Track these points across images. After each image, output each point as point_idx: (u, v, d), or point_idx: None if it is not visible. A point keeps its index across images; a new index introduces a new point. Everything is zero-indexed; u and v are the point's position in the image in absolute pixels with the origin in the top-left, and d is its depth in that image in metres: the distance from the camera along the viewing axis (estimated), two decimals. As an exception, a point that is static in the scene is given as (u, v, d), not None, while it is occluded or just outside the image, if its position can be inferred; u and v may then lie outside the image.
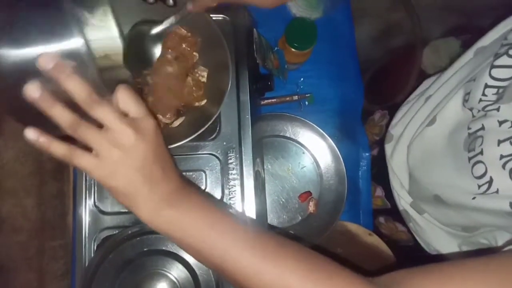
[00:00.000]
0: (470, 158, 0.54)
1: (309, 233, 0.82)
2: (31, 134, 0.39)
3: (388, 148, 0.77)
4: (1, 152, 0.54)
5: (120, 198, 0.43)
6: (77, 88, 0.38)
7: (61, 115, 0.38)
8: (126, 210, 0.62)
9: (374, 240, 0.83)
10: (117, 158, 0.40)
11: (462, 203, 0.56)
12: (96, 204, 0.62)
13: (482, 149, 0.52)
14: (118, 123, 0.39)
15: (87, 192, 0.62)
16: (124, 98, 0.41)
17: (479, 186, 0.52)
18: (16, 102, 0.38)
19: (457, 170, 0.57)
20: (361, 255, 0.81)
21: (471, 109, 0.57)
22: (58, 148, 0.40)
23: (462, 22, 1.30)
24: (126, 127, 0.40)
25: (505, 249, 0.49)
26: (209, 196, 0.52)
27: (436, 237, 0.69)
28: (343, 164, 0.84)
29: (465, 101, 0.58)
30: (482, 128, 0.53)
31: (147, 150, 0.41)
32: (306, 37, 0.82)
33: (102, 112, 0.39)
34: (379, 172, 0.80)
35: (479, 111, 0.55)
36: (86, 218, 0.61)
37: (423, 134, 0.66)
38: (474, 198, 0.53)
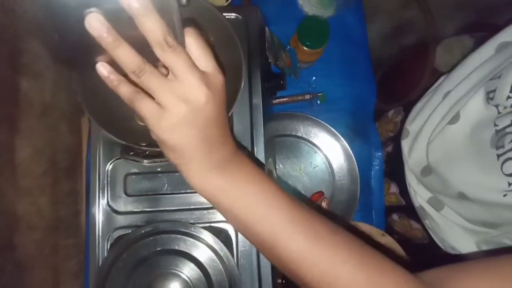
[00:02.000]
0: (499, 156, 0.53)
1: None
2: (103, 69, 0.36)
3: (404, 144, 0.76)
4: (17, 151, 0.55)
5: (171, 155, 0.39)
6: (156, 26, 0.33)
7: (127, 55, 0.34)
8: (139, 210, 0.62)
9: (387, 240, 0.82)
10: (183, 114, 0.36)
11: (491, 200, 0.55)
12: (109, 203, 0.62)
13: None
14: (192, 76, 0.35)
15: (100, 191, 0.62)
16: (196, 46, 0.37)
17: (510, 184, 0.51)
18: (71, 36, 0.34)
19: (484, 168, 0.56)
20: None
21: (496, 106, 0.56)
22: (124, 88, 0.37)
23: (476, 20, 1.28)
24: (200, 83, 0.36)
25: None
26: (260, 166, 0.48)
27: (453, 234, 0.68)
28: (355, 163, 0.83)
29: (489, 98, 0.57)
30: (511, 124, 0.52)
31: (214, 110, 0.38)
32: (318, 36, 0.81)
33: (176, 59, 0.35)
34: (394, 168, 0.79)
35: (505, 107, 0.54)
36: (99, 217, 0.61)
37: (444, 132, 0.65)
38: (505, 195, 0.52)
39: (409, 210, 0.77)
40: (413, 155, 0.73)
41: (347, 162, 0.85)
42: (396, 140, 0.81)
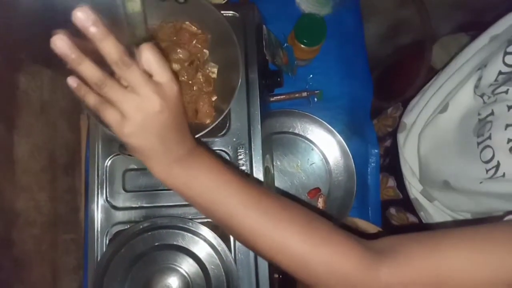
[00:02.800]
0: (479, 144, 0.54)
1: (318, 229, 0.82)
2: (72, 82, 0.42)
3: (400, 137, 0.77)
4: (15, 147, 0.55)
5: (137, 154, 0.45)
6: (112, 49, 0.38)
7: (89, 70, 0.39)
8: (138, 206, 0.63)
9: (383, 236, 0.83)
10: (140, 122, 0.41)
11: (470, 188, 0.57)
12: (108, 199, 0.63)
13: (490, 134, 0.52)
14: (147, 89, 0.40)
15: (99, 187, 0.63)
16: (150, 59, 0.41)
17: (487, 171, 0.52)
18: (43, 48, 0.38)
19: (466, 156, 0.58)
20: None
21: (482, 96, 0.57)
22: (91, 99, 0.42)
23: (471, 18, 1.29)
24: (153, 94, 0.40)
25: (505, 219, 0.49)
26: (220, 158, 0.52)
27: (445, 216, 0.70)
28: (352, 160, 0.84)
29: (475, 87, 0.58)
30: (492, 113, 0.54)
31: (169, 117, 0.42)
32: (315, 34, 0.81)
33: (130, 75, 0.40)
34: (392, 162, 0.80)
35: (489, 97, 0.56)
36: (98, 213, 0.62)
37: (434, 121, 0.66)
38: (481, 182, 0.54)
39: (406, 203, 0.79)
40: (407, 147, 0.75)
41: (344, 159, 0.86)
42: (394, 134, 0.82)
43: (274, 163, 0.86)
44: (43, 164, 0.62)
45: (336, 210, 0.84)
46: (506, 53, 0.53)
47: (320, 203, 0.84)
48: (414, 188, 0.75)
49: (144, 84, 0.40)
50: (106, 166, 0.64)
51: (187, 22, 0.64)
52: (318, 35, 0.81)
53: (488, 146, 0.52)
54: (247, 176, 0.62)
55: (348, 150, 0.84)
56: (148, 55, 0.41)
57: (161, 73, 0.42)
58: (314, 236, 0.44)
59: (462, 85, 0.62)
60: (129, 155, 0.58)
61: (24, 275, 0.55)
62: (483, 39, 0.64)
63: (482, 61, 0.60)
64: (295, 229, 0.44)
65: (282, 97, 0.89)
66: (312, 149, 0.87)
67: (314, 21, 0.82)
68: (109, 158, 0.64)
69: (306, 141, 0.87)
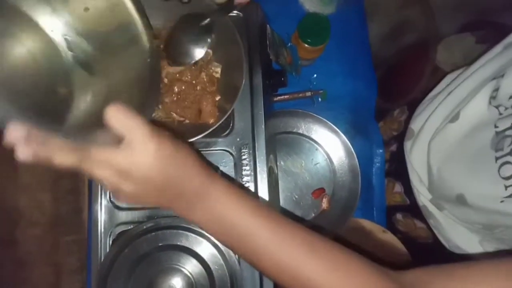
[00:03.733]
0: (497, 158, 0.52)
1: (322, 230, 0.82)
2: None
3: (407, 144, 0.76)
4: (18, 147, 0.55)
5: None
6: (65, 162, 0.36)
7: (63, 163, 0.36)
8: (141, 206, 0.62)
9: (389, 237, 0.82)
10: (133, 190, 0.40)
11: (488, 207, 0.55)
12: (111, 199, 0.62)
13: (511, 150, 0.50)
14: (115, 183, 0.39)
15: (102, 187, 0.62)
16: (115, 123, 0.38)
17: (506, 187, 0.51)
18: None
19: (482, 170, 0.56)
20: (375, 252, 0.81)
21: (497, 107, 0.55)
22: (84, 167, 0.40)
23: (476, 18, 1.28)
24: (124, 182, 0.39)
25: None
26: (233, 183, 0.51)
27: (457, 233, 0.68)
28: (356, 160, 0.83)
29: (492, 98, 0.56)
30: (511, 127, 0.52)
31: (159, 175, 0.40)
32: (319, 33, 0.81)
33: (95, 175, 0.38)
34: (398, 168, 0.78)
35: (506, 108, 0.54)
36: (101, 213, 0.61)
37: (445, 131, 0.65)
38: (502, 201, 0.52)
39: (414, 209, 0.77)
40: (415, 154, 0.73)
41: (348, 159, 0.85)
42: (400, 139, 0.81)
43: (278, 163, 0.85)
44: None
45: (341, 211, 0.83)
46: None
47: (324, 203, 0.83)
48: (423, 196, 0.73)
49: (111, 179, 0.39)
50: (109, 166, 0.63)
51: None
52: (322, 34, 0.81)
53: (509, 162, 0.50)
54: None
55: (353, 150, 0.84)
56: (112, 120, 0.37)
57: (130, 134, 0.38)
58: (339, 268, 0.43)
59: (474, 94, 0.60)
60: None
61: (27, 275, 0.55)
62: (497, 47, 0.62)
63: (498, 70, 0.58)
64: (318, 261, 0.43)
65: (286, 97, 0.88)
66: (316, 149, 0.87)
67: (318, 21, 0.82)
68: (112, 158, 0.63)
69: (310, 141, 0.87)
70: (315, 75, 0.90)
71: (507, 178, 0.51)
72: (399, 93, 1.14)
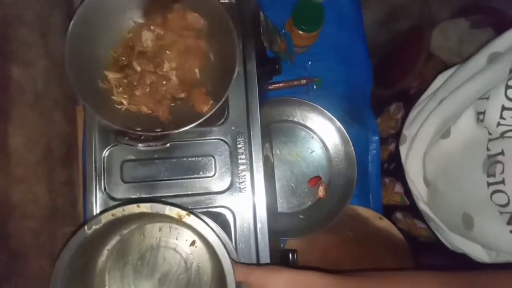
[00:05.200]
0: (489, 184, 0.52)
1: (319, 217, 0.82)
2: None
3: (402, 150, 0.75)
4: (10, 139, 0.54)
5: None
6: None
7: None
8: (137, 196, 0.62)
9: (385, 223, 0.82)
10: None
11: (494, 233, 0.54)
12: (107, 190, 0.62)
13: (503, 179, 0.49)
14: None
15: (97, 178, 0.62)
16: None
17: (501, 213, 0.50)
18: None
19: (477, 194, 0.55)
20: (372, 238, 0.81)
21: (486, 127, 0.54)
22: None
23: (471, 3, 1.27)
24: None
25: None
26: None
27: (460, 238, 0.66)
28: (352, 147, 0.83)
29: (479, 120, 0.55)
30: (502, 153, 0.51)
31: None
32: (313, 19, 0.80)
33: None
34: (398, 168, 0.77)
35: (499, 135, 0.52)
36: (97, 204, 0.61)
37: (438, 146, 0.64)
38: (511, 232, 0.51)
39: (414, 210, 0.76)
40: (410, 163, 0.72)
41: (344, 146, 0.85)
42: (398, 137, 0.80)
43: (273, 152, 0.85)
44: (39, 156, 0.61)
45: (337, 198, 0.83)
46: (508, 87, 0.49)
47: (320, 191, 0.83)
48: (422, 202, 0.72)
49: None
50: (104, 157, 0.62)
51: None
52: (316, 20, 0.80)
53: (501, 191, 0.50)
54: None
55: (348, 137, 0.84)
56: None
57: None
58: None
59: (462, 110, 0.59)
60: (126, 144, 0.57)
61: (22, 268, 0.54)
62: (484, 54, 0.61)
63: (482, 89, 0.57)
64: None
65: (280, 85, 0.88)
66: (312, 137, 0.87)
67: (312, 7, 0.81)
68: (106, 149, 0.63)
69: (305, 129, 0.87)
70: (309, 63, 0.89)
71: (502, 206, 0.50)
72: (394, 79, 1.14)
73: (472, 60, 0.64)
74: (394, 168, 0.85)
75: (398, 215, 0.85)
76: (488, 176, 0.52)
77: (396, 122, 0.87)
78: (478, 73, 0.60)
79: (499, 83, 0.51)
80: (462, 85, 0.62)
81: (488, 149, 0.53)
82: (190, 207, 0.61)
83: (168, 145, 0.61)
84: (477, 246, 0.62)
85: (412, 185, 0.73)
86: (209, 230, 0.51)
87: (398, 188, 0.83)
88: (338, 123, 0.84)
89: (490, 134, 0.54)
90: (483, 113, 0.53)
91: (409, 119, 0.76)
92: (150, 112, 0.61)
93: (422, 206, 0.72)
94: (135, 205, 0.50)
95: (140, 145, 0.57)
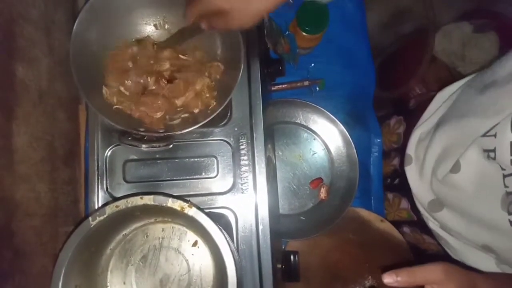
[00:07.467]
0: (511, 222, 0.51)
1: (320, 219, 0.82)
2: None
3: (408, 172, 0.73)
4: (14, 137, 0.54)
5: None
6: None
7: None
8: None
9: (386, 226, 0.82)
10: None
11: None
12: (109, 190, 0.62)
13: None
14: None
15: (99, 178, 0.62)
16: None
17: None
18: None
19: (496, 231, 0.54)
20: (373, 241, 0.81)
21: (499, 163, 0.52)
22: None
23: (474, 7, 1.27)
24: None
25: None
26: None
27: (472, 255, 0.65)
28: (354, 150, 0.83)
29: (490, 157, 0.53)
30: None
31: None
32: (317, 21, 0.80)
33: None
34: (403, 183, 0.75)
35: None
36: (99, 204, 0.61)
37: (450, 181, 0.61)
38: None
39: (422, 225, 0.74)
40: (417, 189, 0.71)
41: (346, 148, 0.85)
42: (401, 152, 0.78)
43: (276, 153, 0.85)
44: (43, 154, 0.61)
45: (339, 200, 0.83)
46: None
47: (322, 193, 0.83)
48: (432, 223, 0.70)
49: None
50: (106, 156, 0.63)
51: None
52: (320, 22, 0.80)
53: None
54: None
55: (351, 140, 0.84)
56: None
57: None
58: None
59: (468, 145, 0.57)
60: (129, 145, 0.58)
61: (25, 266, 0.54)
62: (478, 84, 0.59)
63: (483, 123, 0.54)
64: None
65: (284, 86, 0.88)
66: (314, 139, 0.87)
67: (316, 8, 0.81)
68: (109, 149, 0.63)
69: (308, 130, 0.87)
70: (313, 64, 0.89)
71: None
72: (397, 82, 1.14)
73: (470, 81, 0.63)
74: (398, 184, 0.83)
75: (406, 229, 0.83)
76: (509, 214, 0.51)
77: (398, 137, 0.85)
78: (474, 103, 0.59)
79: (504, 120, 0.50)
80: (463, 118, 0.60)
81: (506, 186, 0.52)
82: (192, 207, 0.61)
83: (171, 146, 0.61)
84: (490, 259, 0.62)
85: (422, 208, 0.71)
86: (211, 222, 0.51)
87: (404, 204, 0.81)
88: (341, 125, 0.84)
89: (503, 169, 0.52)
90: (493, 150, 0.52)
91: (413, 141, 0.73)
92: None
93: (433, 226, 0.71)
94: (138, 197, 0.51)
95: (143, 145, 0.57)
